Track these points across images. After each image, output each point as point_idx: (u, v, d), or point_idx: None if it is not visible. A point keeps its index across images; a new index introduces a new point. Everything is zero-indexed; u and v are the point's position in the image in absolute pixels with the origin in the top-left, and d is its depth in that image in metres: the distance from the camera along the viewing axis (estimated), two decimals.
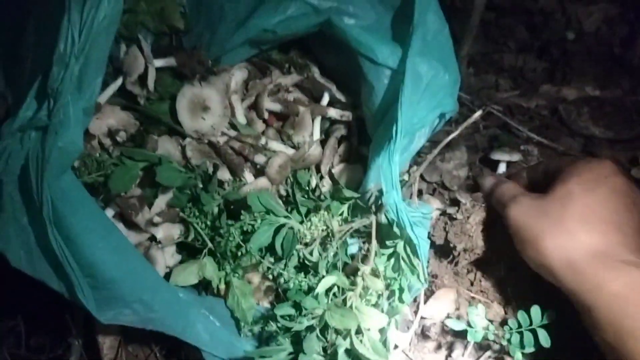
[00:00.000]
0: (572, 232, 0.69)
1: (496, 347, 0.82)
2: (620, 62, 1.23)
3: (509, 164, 1.00)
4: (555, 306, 0.75)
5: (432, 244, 0.87)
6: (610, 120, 1.12)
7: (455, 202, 0.94)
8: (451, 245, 0.85)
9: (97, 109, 0.83)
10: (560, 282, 0.70)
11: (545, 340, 0.73)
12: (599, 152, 1.06)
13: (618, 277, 0.64)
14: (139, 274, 0.69)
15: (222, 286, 0.82)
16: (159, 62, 0.88)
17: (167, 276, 0.79)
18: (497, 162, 0.99)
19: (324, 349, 0.70)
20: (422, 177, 1.01)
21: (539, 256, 0.71)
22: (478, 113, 0.87)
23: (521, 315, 0.75)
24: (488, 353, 0.83)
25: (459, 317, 0.84)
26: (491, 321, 0.77)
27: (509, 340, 0.76)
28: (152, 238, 0.83)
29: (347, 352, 0.69)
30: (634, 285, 0.63)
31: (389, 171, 0.75)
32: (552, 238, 0.70)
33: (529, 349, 0.75)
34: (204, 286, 0.83)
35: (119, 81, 0.85)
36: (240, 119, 0.91)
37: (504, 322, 0.76)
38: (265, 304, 0.84)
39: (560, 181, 0.74)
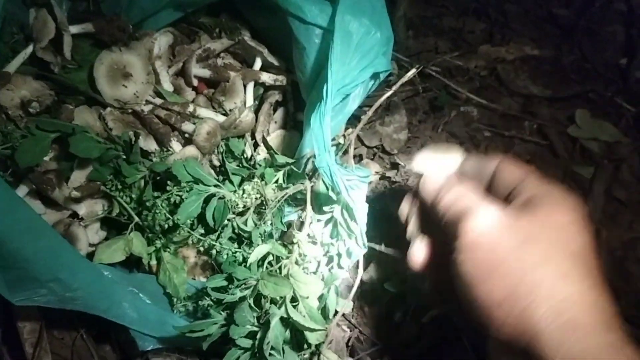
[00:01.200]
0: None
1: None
2: (558, 22, 1.24)
3: None
4: None
5: (372, 208, 0.85)
6: (548, 79, 1.12)
7: (395, 166, 0.92)
8: (390, 209, 0.83)
9: (6, 80, 0.77)
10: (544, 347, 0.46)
11: None
12: (538, 110, 1.06)
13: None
14: (53, 251, 0.64)
15: (154, 262, 0.78)
16: (74, 29, 0.82)
17: (93, 254, 0.74)
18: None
19: (258, 319, 0.67)
20: (362, 142, 0.98)
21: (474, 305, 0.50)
22: (412, 71, 0.84)
23: None
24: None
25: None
26: None
27: None
28: (74, 215, 0.77)
29: (283, 320, 0.67)
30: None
31: (320, 133, 0.72)
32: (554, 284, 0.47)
33: None
34: (134, 263, 0.79)
35: (29, 48, 0.79)
36: (166, 86, 0.86)
37: None
38: (202, 279, 0.81)
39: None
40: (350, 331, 0.83)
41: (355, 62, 0.77)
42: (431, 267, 0.62)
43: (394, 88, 0.83)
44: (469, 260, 0.50)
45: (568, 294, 0.47)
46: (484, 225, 0.50)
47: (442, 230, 0.56)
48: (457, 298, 0.52)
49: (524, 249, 0.49)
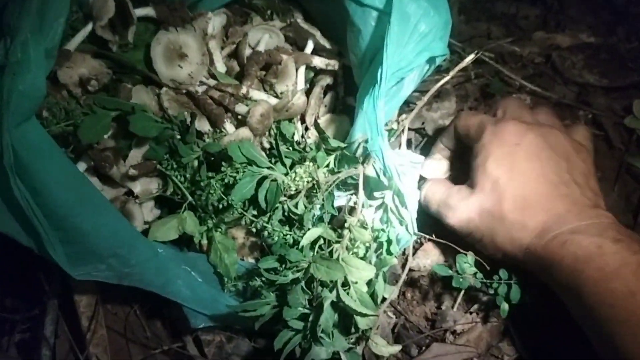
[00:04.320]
0: (518, 223, 0.69)
1: (484, 299, 0.80)
2: (614, 8, 1.19)
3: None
4: None
5: None
6: (604, 68, 1.08)
7: None
8: None
9: (66, 57, 0.78)
10: (526, 268, 0.71)
11: (514, 294, 0.73)
12: (593, 100, 1.03)
13: (568, 252, 0.64)
14: (113, 227, 0.65)
15: (205, 241, 0.79)
16: (139, 12, 0.83)
17: (146, 232, 0.75)
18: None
19: (310, 302, 0.67)
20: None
21: (499, 252, 0.72)
22: (470, 57, 0.83)
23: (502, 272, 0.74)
24: (476, 305, 0.81)
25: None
26: (480, 270, 0.74)
27: (495, 290, 0.73)
28: (129, 192, 0.79)
29: (333, 304, 0.67)
30: (582, 255, 0.63)
31: (373, 117, 0.72)
32: (504, 235, 0.70)
33: (515, 301, 0.73)
34: (185, 242, 0.80)
35: (89, 27, 0.80)
36: (220, 67, 0.86)
37: (492, 273, 0.74)
38: (250, 260, 0.82)
39: (481, 169, 0.73)
40: (397, 318, 0.83)
41: (412, 45, 0.76)
42: None
43: (451, 75, 0.82)
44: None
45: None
46: (458, 218, 0.75)
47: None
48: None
49: (482, 224, 0.73)
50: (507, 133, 0.73)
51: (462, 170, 0.82)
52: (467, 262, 0.74)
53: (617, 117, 1.02)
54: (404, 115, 0.84)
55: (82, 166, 0.75)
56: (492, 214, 0.71)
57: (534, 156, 0.71)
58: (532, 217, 0.69)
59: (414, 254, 0.83)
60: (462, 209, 0.74)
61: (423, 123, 0.96)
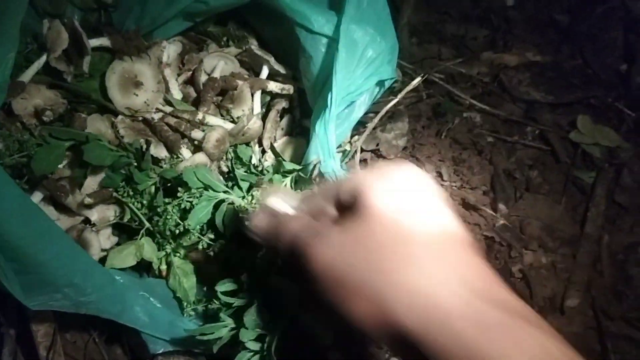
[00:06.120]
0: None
1: None
2: (559, 27, 1.25)
3: None
4: None
5: None
6: (550, 85, 1.14)
7: None
8: None
9: (21, 89, 0.79)
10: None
11: None
12: (540, 116, 1.08)
13: None
14: (68, 257, 0.65)
15: (163, 267, 0.79)
16: (93, 42, 0.84)
17: (104, 260, 0.76)
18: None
19: (267, 322, 0.69)
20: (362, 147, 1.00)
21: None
22: (417, 79, 0.87)
23: None
24: None
25: None
26: None
27: None
28: (86, 221, 0.79)
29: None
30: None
31: (325, 140, 0.74)
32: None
33: None
34: (144, 268, 0.81)
35: (43, 58, 0.81)
36: (176, 94, 0.88)
37: None
38: (210, 283, 0.83)
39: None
40: None
41: (361, 70, 0.79)
42: None
43: (400, 96, 0.86)
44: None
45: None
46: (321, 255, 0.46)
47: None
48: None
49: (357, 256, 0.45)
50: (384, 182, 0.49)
51: None
52: None
53: (563, 132, 1.07)
54: (356, 137, 0.86)
55: (37, 196, 0.75)
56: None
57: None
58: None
59: None
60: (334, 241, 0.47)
61: (377, 144, 0.99)
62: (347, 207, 0.48)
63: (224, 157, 0.87)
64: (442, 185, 0.96)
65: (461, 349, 0.39)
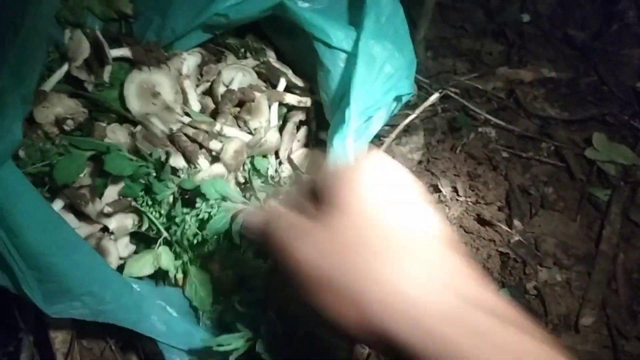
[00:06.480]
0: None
1: None
2: (574, 43, 1.25)
3: None
4: None
5: None
6: (565, 102, 1.14)
7: None
8: None
9: (43, 98, 0.80)
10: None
11: None
12: (555, 132, 1.08)
13: None
14: (87, 265, 0.66)
15: (180, 276, 0.80)
16: (115, 53, 0.85)
17: (122, 268, 0.76)
18: None
19: (284, 333, 0.69)
20: None
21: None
22: (435, 95, 0.87)
23: None
24: None
25: None
26: None
27: None
28: (105, 229, 0.80)
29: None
30: None
31: (343, 155, 0.75)
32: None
33: None
34: (161, 277, 0.81)
35: (65, 67, 0.82)
36: (194, 105, 0.89)
37: None
38: (226, 293, 0.83)
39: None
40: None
41: (379, 85, 0.80)
42: None
43: (417, 112, 0.86)
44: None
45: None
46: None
47: None
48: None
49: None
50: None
51: None
52: None
53: (578, 148, 1.07)
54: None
55: (58, 204, 0.76)
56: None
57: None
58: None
59: None
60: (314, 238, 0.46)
61: (392, 158, 0.99)
62: (326, 203, 0.46)
63: (241, 168, 0.88)
64: (457, 200, 0.96)
65: (444, 352, 0.38)
